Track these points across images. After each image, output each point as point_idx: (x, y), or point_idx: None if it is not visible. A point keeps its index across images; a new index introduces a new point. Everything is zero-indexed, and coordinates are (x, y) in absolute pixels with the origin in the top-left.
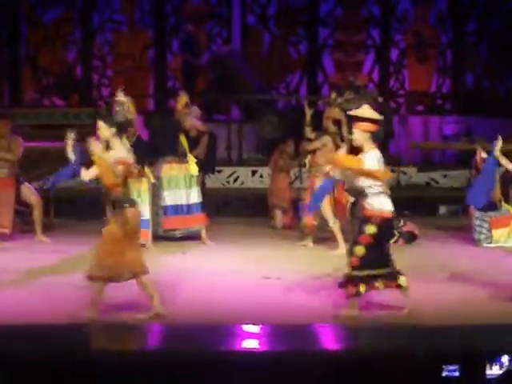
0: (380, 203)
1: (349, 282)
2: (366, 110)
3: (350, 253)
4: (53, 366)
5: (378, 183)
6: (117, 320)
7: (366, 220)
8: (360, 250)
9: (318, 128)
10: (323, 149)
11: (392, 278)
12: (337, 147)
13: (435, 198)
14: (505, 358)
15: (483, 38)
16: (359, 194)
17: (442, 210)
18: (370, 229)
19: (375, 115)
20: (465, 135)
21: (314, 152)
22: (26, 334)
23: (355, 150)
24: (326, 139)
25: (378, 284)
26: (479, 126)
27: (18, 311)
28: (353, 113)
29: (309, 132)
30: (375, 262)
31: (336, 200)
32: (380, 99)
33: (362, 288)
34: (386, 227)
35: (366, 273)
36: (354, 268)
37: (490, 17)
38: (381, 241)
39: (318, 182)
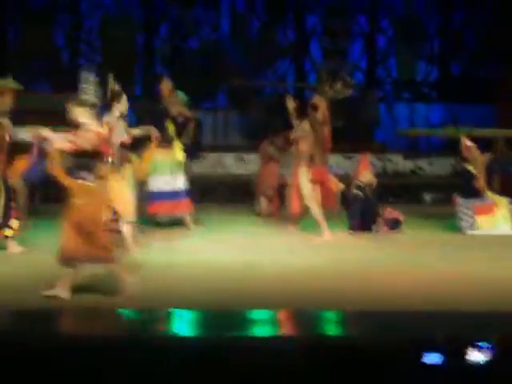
0: None
1: None
2: None
3: None
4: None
5: None
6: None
7: None
8: None
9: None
10: (304, 135)
11: None
12: (315, 131)
13: (421, 186)
14: (486, 346)
15: (470, 27)
16: None
17: (428, 197)
18: None
19: None
20: (451, 123)
21: (297, 140)
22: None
23: None
24: (305, 125)
25: None
26: (465, 113)
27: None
28: None
29: (294, 121)
30: None
31: (326, 188)
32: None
33: None
34: None
35: None
36: None
37: (477, 6)
38: None
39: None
